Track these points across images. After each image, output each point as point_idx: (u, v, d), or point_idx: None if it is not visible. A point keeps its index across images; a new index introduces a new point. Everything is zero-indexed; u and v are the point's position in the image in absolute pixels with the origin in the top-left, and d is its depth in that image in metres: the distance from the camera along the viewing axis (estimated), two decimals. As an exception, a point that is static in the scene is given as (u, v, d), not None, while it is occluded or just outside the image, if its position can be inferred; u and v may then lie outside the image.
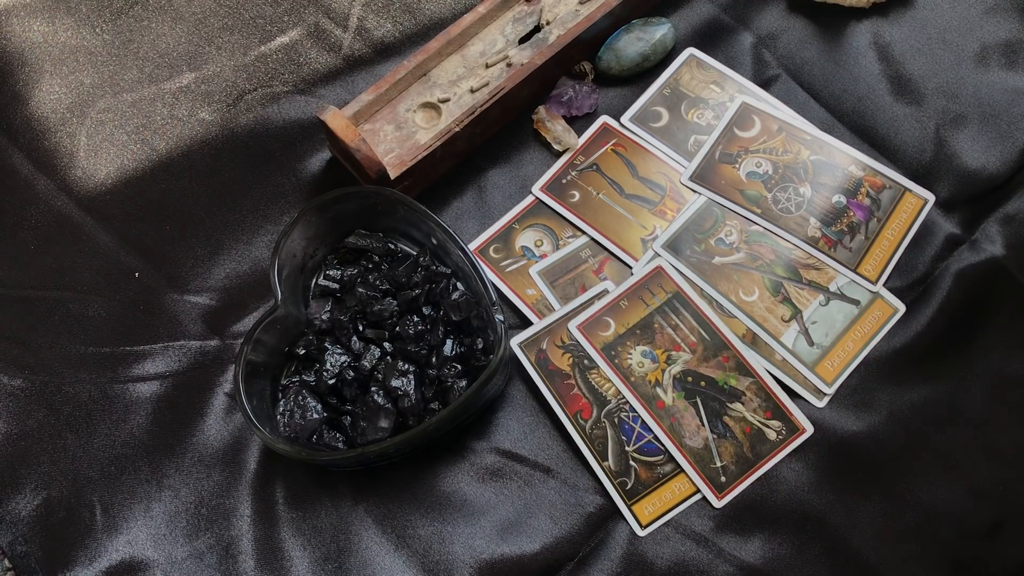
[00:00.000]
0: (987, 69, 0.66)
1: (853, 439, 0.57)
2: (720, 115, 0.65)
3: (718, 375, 0.58)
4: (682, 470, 0.56)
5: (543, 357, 0.59)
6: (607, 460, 0.56)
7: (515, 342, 0.59)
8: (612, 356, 0.58)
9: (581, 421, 0.57)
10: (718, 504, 0.55)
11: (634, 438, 0.56)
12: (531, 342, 0.59)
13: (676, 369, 0.58)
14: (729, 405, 0.57)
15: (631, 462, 0.56)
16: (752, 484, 0.56)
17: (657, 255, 0.61)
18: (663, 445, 0.56)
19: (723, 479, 0.56)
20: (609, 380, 0.58)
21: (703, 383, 0.58)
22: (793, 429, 0.57)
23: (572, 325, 0.58)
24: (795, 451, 0.56)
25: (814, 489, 0.56)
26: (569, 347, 0.59)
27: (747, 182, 0.63)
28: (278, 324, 0.56)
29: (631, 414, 0.57)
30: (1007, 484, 0.55)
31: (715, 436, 0.57)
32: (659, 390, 0.57)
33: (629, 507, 0.55)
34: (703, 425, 0.57)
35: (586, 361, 0.58)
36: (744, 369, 0.58)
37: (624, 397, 0.57)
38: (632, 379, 0.58)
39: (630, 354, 0.58)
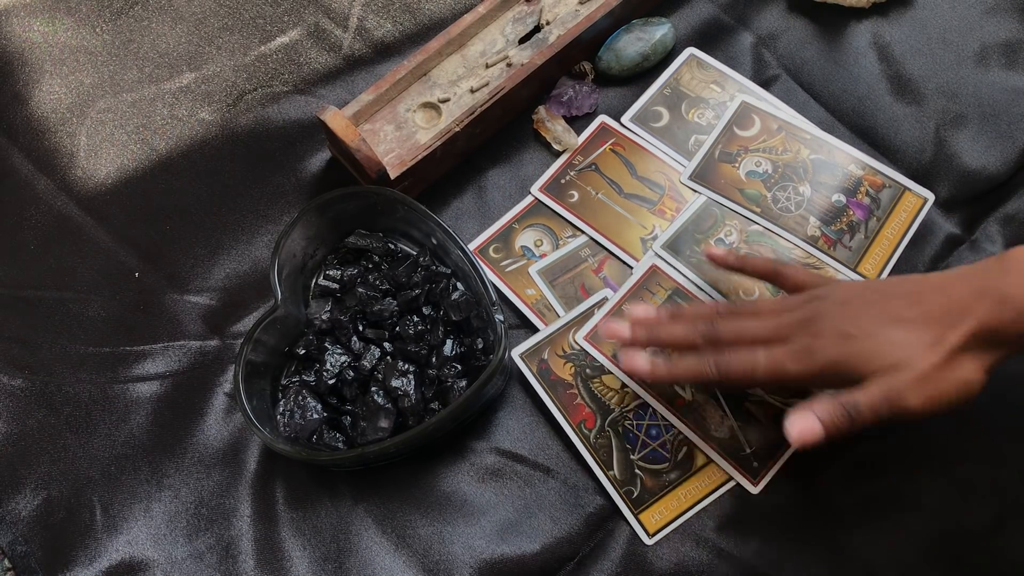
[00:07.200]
0: (987, 69, 0.66)
1: (853, 439, 0.57)
2: (720, 114, 0.65)
3: None
4: (712, 462, 0.55)
5: (545, 367, 0.58)
6: (612, 469, 0.56)
7: (516, 352, 0.59)
8: None
9: (585, 431, 0.57)
10: (755, 490, 0.55)
11: (639, 446, 0.56)
12: (532, 352, 0.59)
13: None
14: (748, 391, 0.57)
15: (636, 471, 0.56)
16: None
17: (657, 255, 0.61)
18: (690, 440, 0.56)
19: (755, 464, 0.55)
20: (614, 389, 0.57)
21: None
22: None
23: (579, 337, 0.58)
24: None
25: (814, 489, 0.56)
26: (571, 356, 0.59)
27: (747, 181, 0.63)
28: (278, 324, 0.56)
29: (635, 422, 0.57)
30: (1007, 484, 0.55)
31: (740, 424, 0.56)
32: (677, 388, 0.57)
33: (636, 516, 0.55)
34: (727, 415, 0.57)
35: (588, 370, 0.58)
36: None
37: (628, 405, 0.57)
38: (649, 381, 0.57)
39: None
